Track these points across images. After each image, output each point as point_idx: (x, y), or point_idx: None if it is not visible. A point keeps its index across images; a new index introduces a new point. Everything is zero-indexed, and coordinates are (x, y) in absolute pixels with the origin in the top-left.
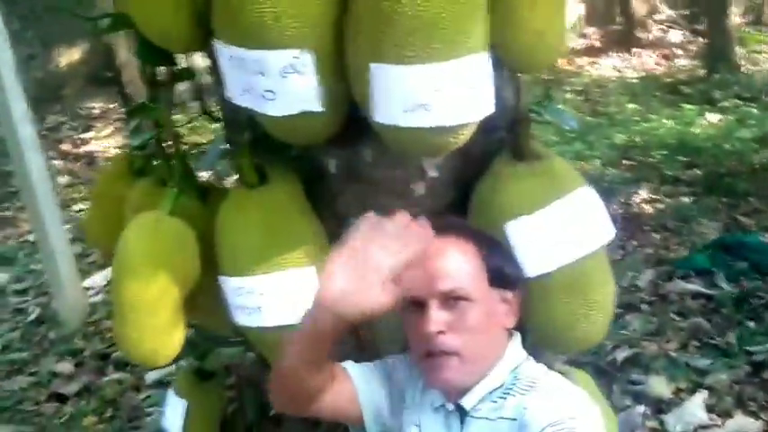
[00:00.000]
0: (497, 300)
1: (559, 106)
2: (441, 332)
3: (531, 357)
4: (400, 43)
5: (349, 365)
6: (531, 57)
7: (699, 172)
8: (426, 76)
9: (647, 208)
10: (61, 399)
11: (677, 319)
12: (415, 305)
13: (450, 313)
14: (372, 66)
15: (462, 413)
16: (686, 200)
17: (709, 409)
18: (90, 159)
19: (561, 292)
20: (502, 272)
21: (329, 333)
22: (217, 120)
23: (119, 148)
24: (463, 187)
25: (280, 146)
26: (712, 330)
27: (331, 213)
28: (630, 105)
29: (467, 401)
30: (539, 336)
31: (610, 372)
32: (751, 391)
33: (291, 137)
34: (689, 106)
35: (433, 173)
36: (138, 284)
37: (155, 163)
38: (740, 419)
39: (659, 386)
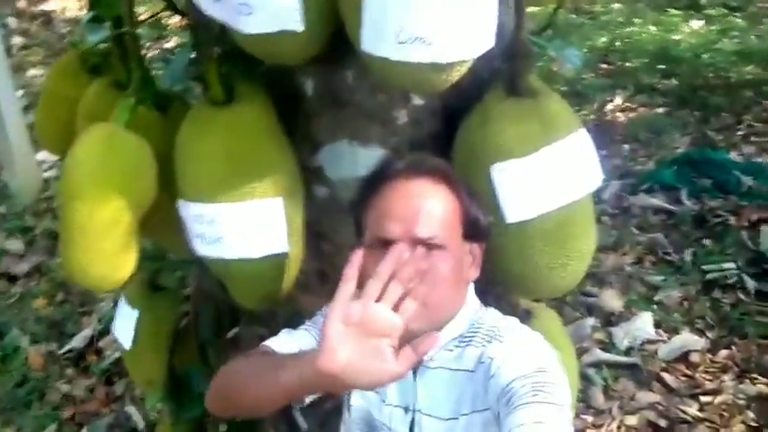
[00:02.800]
0: (465, 249)
1: (563, 42)
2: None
3: (485, 306)
4: None
5: (276, 345)
6: None
7: (675, 82)
8: (430, 4)
9: (620, 116)
10: (10, 278)
11: (636, 232)
12: (382, 244)
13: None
14: None
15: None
16: (660, 111)
17: (657, 324)
18: (47, 19)
19: (540, 239)
20: (476, 225)
21: (312, 393)
22: (181, 14)
23: (79, 9)
24: (449, 117)
25: (252, 60)
26: (669, 246)
27: (304, 137)
28: (616, 5)
29: None
30: (511, 282)
31: None
32: (700, 309)
33: (266, 56)
34: (674, 11)
35: (417, 100)
36: (88, 206)
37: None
38: (686, 336)
39: (611, 300)
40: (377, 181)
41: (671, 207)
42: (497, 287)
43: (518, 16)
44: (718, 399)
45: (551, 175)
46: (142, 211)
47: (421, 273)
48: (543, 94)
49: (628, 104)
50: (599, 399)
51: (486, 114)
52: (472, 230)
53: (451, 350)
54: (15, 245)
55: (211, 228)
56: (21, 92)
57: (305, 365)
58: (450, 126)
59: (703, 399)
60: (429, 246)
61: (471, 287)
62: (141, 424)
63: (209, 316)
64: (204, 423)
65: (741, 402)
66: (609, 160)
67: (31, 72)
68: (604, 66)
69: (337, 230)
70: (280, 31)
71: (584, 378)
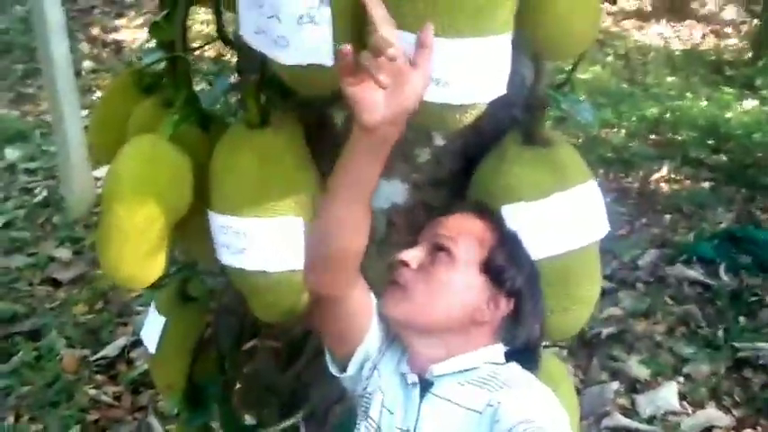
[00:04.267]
0: (483, 288)
1: (578, 97)
2: (405, 263)
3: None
4: (423, 14)
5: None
6: (556, 45)
7: (723, 158)
8: (446, 51)
9: (664, 187)
10: (55, 284)
11: (670, 303)
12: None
13: (428, 259)
14: None
15: (424, 388)
16: (705, 185)
17: (683, 396)
18: (117, 48)
19: (543, 282)
20: (500, 267)
21: (382, 142)
22: (229, 43)
23: (147, 40)
24: (469, 159)
25: (288, 89)
26: (702, 320)
27: (331, 166)
28: (669, 79)
29: (429, 374)
30: None
31: (592, 345)
32: (728, 386)
33: (299, 85)
34: (728, 89)
35: (439, 141)
36: (126, 209)
37: (164, 81)
38: (711, 412)
39: (638, 367)
40: None
41: (708, 281)
42: None
43: (537, 70)
44: None
45: (559, 220)
46: (176, 218)
47: (418, 264)
48: (558, 144)
49: (673, 176)
50: None
51: (501, 158)
52: (495, 273)
53: (462, 385)
54: (64, 253)
55: (236, 239)
56: (85, 112)
57: (352, 137)
58: (469, 167)
59: None
60: (439, 248)
61: (500, 348)
62: None
63: (231, 329)
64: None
65: None
66: (649, 229)
67: (97, 94)
68: (652, 137)
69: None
70: (311, 63)
71: None
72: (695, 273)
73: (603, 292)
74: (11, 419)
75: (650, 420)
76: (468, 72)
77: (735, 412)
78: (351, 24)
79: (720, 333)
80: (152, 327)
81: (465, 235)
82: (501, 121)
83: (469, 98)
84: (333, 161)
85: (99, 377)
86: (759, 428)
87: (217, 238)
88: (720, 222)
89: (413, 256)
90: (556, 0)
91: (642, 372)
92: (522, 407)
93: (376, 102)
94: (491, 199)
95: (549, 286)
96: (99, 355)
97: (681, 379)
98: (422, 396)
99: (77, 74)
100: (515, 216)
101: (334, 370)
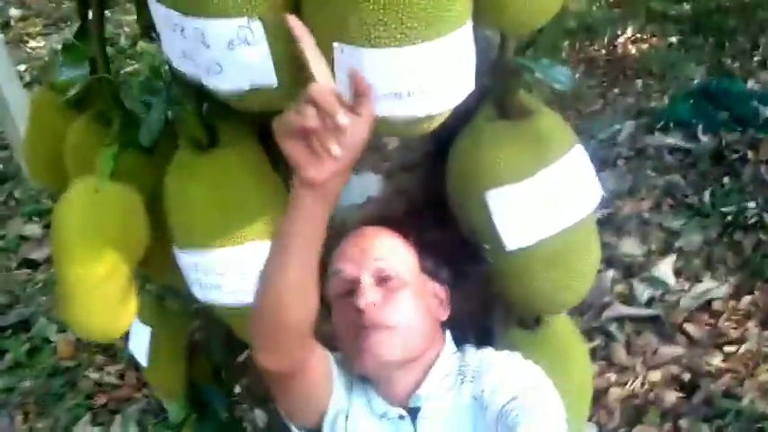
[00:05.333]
0: (429, 290)
1: (550, 61)
2: (374, 304)
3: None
4: (369, 21)
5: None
6: (523, 23)
7: (686, 7)
8: (400, 61)
9: (632, 49)
10: (32, 265)
11: (653, 175)
12: (347, 292)
13: (384, 292)
14: (336, 46)
15: (413, 416)
16: (672, 40)
17: (678, 272)
18: None
19: (541, 264)
20: (432, 265)
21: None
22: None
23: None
24: (441, 139)
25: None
26: (687, 188)
27: (291, 169)
28: None
29: (417, 400)
30: (513, 303)
31: None
32: (720, 253)
33: (244, 107)
34: None
35: None
36: (79, 264)
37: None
38: (707, 284)
39: (630, 249)
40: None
41: (687, 145)
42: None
43: (502, 38)
44: (743, 347)
45: (549, 198)
46: (136, 260)
47: (382, 300)
48: (535, 112)
49: (639, 35)
50: (622, 355)
51: (477, 137)
52: (429, 269)
53: (446, 392)
54: (34, 229)
55: (207, 276)
56: (23, 66)
57: (294, 192)
58: (443, 146)
59: (727, 348)
60: (387, 278)
61: (448, 333)
62: None
63: (220, 340)
64: None
65: (766, 350)
66: (622, 98)
67: (32, 44)
68: None
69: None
70: (253, 87)
71: (607, 335)
72: (674, 139)
73: None
74: (19, 418)
75: (649, 303)
76: (430, 79)
77: (730, 279)
78: (288, 47)
79: (707, 199)
80: (139, 338)
81: (395, 253)
82: (471, 94)
83: (436, 107)
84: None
85: (98, 358)
86: (756, 293)
87: (187, 276)
88: (693, 79)
89: (372, 296)
90: None
91: (636, 253)
92: (500, 387)
93: (318, 156)
94: (471, 184)
95: (548, 267)
96: None
97: (673, 255)
98: (414, 424)
99: (6, 24)
100: (500, 201)
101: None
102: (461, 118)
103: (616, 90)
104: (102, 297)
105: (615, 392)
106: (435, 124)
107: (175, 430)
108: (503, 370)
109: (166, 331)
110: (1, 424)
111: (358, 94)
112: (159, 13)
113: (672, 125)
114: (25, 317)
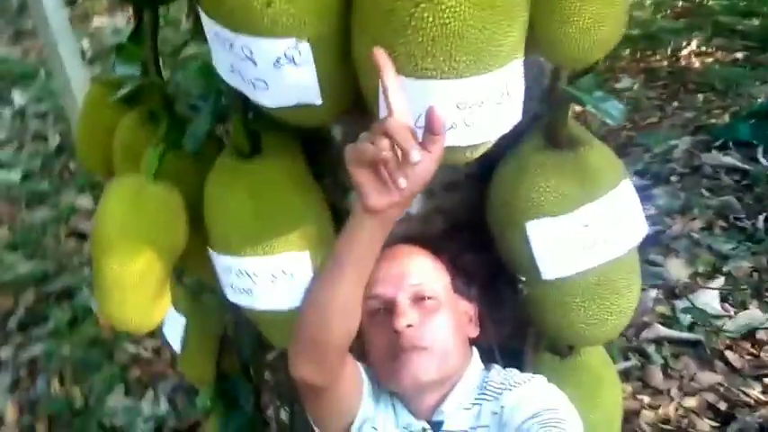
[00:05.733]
0: (461, 309)
1: (603, 93)
2: (410, 326)
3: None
4: (417, 54)
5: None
6: (581, 57)
7: (756, 22)
8: (447, 94)
9: (695, 62)
10: (81, 237)
11: (707, 195)
12: (384, 310)
13: (419, 311)
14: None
15: (436, 429)
16: (738, 55)
17: (724, 297)
18: None
19: (579, 296)
20: (463, 284)
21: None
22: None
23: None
24: (486, 161)
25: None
26: (741, 211)
27: (333, 182)
28: None
29: (440, 415)
30: (548, 331)
31: None
32: None
33: (288, 121)
34: None
35: None
36: (118, 261)
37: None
38: (753, 312)
39: (676, 269)
40: None
41: (745, 166)
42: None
43: (555, 69)
44: None
45: (590, 233)
46: (174, 259)
47: (419, 321)
48: (585, 145)
49: (704, 49)
50: (657, 378)
51: (522, 164)
52: (462, 290)
53: (469, 408)
54: (85, 201)
55: (240, 280)
56: (86, 44)
57: (354, 215)
58: (486, 169)
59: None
60: (423, 298)
61: (475, 349)
62: None
63: (250, 337)
64: None
65: None
66: (681, 113)
67: (96, 22)
68: (681, 3)
69: None
70: (297, 105)
71: (644, 355)
72: (731, 159)
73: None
74: (56, 383)
75: (691, 327)
76: (475, 113)
77: None
78: (340, 53)
79: (761, 224)
80: (173, 325)
81: (431, 273)
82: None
83: (480, 138)
84: (334, 177)
85: None
86: None
87: (221, 278)
88: (757, 98)
89: (409, 318)
90: (580, 11)
91: (681, 274)
92: (521, 404)
93: (384, 186)
94: (512, 212)
95: (585, 299)
96: None
97: (721, 279)
98: None
99: (73, 1)
100: (541, 232)
101: None
102: (508, 142)
103: (675, 103)
104: (138, 295)
105: (647, 415)
106: (478, 153)
107: (204, 412)
108: (525, 389)
109: (200, 323)
110: (39, 388)
111: (430, 131)
112: (209, 27)
113: (731, 144)
114: (69, 286)
